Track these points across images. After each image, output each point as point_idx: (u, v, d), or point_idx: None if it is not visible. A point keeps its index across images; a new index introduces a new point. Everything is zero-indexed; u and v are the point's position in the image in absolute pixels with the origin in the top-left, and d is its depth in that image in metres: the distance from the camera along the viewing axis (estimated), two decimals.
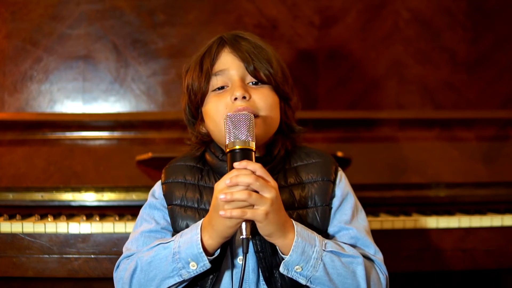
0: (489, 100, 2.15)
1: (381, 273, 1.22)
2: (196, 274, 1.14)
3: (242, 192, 1.05)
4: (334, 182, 1.28)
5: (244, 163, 1.07)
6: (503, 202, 1.92)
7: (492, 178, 1.94)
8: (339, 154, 1.88)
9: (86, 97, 2.06)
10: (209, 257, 1.12)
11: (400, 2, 2.14)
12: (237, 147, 1.10)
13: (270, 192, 1.07)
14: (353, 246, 1.23)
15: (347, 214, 1.27)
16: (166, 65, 2.06)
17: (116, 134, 1.98)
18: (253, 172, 1.07)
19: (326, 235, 1.25)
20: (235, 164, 1.07)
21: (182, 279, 1.15)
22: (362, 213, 1.31)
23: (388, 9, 2.14)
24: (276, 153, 1.28)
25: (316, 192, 1.25)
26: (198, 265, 1.12)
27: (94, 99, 2.06)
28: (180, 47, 2.07)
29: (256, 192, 1.06)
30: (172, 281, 1.15)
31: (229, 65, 1.25)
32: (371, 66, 2.13)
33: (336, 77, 2.11)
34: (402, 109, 2.12)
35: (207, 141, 1.33)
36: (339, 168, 1.32)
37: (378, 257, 1.24)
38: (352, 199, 1.30)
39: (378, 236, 1.68)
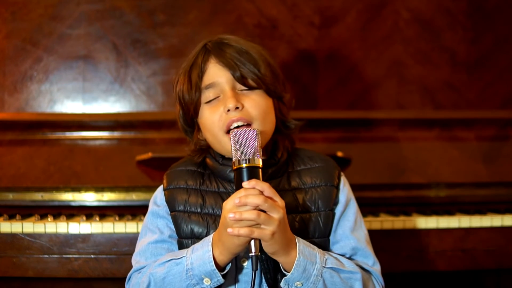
0: (489, 100, 2.15)
1: (378, 285, 1.25)
2: None
3: (251, 212, 1.06)
4: (337, 187, 1.29)
5: (253, 183, 1.08)
6: (503, 202, 1.92)
7: (492, 178, 1.94)
8: (339, 154, 1.88)
9: (86, 97, 2.06)
10: (221, 272, 1.14)
11: (400, 2, 2.14)
12: (244, 165, 1.10)
13: (278, 212, 1.08)
14: (353, 256, 1.25)
15: (350, 221, 1.28)
16: (166, 65, 2.06)
17: (116, 134, 1.98)
18: (261, 192, 1.08)
19: (327, 240, 1.26)
20: (244, 184, 1.08)
21: None
22: (362, 219, 1.33)
23: (388, 9, 2.14)
24: (279, 156, 1.29)
25: (320, 197, 1.26)
26: (212, 280, 1.14)
27: (94, 99, 2.06)
28: (180, 47, 2.07)
29: (264, 211, 1.07)
30: None
31: (217, 77, 1.24)
32: (371, 66, 2.13)
33: (336, 77, 2.12)
34: (402, 109, 2.12)
35: (206, 148, 1.33)
36: (342, 173, 1.33)
37: (376, 268, 1.26)
38: (354, 205, 1.31)
39: (378, 236, 1.69)
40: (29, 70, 2.05)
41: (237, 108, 1.20)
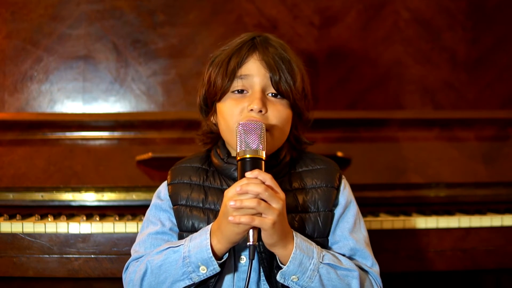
0: (489, 100, 2.15)
1: (376, 285, 1.25)
2: (206, 277, 1.17)
3: (251, 200, 1.07)
4: (338, 189, 1.30)
5: (255, 173, 1.10)
6: (503, 202, 1.92)
7: (492, 178, 1.94)
8: (339, 154, 1.88)
9: (86, 97, 2.06)
10: (218, 261, 1.15)
11: (400, 2, 2.14)
12: (248, 156, 1.13)
13: (278, 203, 1.09)
14: (352, 257, 1.26)
15: (349, 222, 1.29)
16: (166, 65, 2.07)
17: (116, 134, 1.98)
18: (263, 182, 1.09)
19: (326, 240, 1.27)
20: (247, 173, 1.10)
21: (192, 282, 1.18)
22: (362, 222, 1.34)
23: (388, 9, 2.14)
24: (281, 158, 1.30)
25: (320, 198, 1.27)
26: (208, 269, 1.15)
27: (94, 99, 2.06)
28: (180, 47, 2.07)
29: (265, 201, 1.08)
30: (182, 284, 1.18)
31: (254, 72, 1.25)
32: (371, 66, 2.13)
33: (336, 77, 2.12)
34: (402, 109, 2.12)
35: (216, 135, 1.34)
36: (343, 176, 1.34)
37: (375, 269, 1.27)
38: (354, 208, 1.32)
39: (378, 236, 1.69)
40: (29, 70, 2.05)
41: (260, 111, 1.22)
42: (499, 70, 2.16)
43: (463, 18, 2.15)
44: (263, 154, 1.14)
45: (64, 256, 1.66)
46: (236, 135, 1.16)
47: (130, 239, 1.66)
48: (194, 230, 1.25)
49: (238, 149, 1.15)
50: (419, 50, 2.14)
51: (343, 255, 1.25)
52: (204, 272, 1.15)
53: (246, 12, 2.09)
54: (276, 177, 1.26)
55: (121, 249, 1.67)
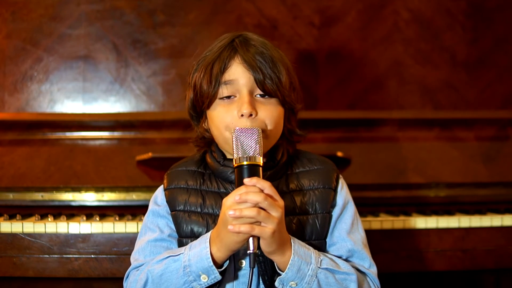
0: (489, 100, 2.15)
1: (374, 286, 1.25)
2: (207, 285, 1.16)
3: (251, 209, 1.06)
4: (335, 190, 1.29)
5: (254, 181, 1.08)
6: (503, 202, 1.93)
7: (492, 178, 1.94)
8: (339, 154, 1.88)
9: (86, 97, 2.06)
10: (218, 269, 1.15)
11: (400, 2, 2.14)
12: (245, 163, 1.12)
13: (277, 211, 1.09)
14: (349, 258, 1.25)
15: (347, 223, 1.28)
16: (166, 65, 2.07)
17: (116, 134, 1.98)
18: (262, 190, 1.08)
19: (324, 242, 1.27)
20: (246, 181, 1.09)
21: None
22: (360, 222, 1.33)
23: (388, 9, 2.14)
24: (278, 159, 1.29)
25: (317, 199, 1.26)
26: (209, 277, 1.15)
27: (94, 99, 2.06)
28: (180, 47, 2.07)
29: (264, 210, 1.08)
30: None
31: (239, 76, 1.23)
32: (371, 66, 2.13)
33: (336, 77, 2.12)
34: (402, 109, 2.12)
35: (209, 140, 1.33)
36: (340, 176, 1.33)
37: (372, 270, 1.26)
38: (352, 208, 1.32)
39: (378, 236, 1.70)
40: (29, 70, 2.05)
41: (250, 115, 1.20)
42: (499, 70, 2.16)
43: (463, 18, 2.15)
44: (260, 160, 1.13)
45: (64, 256, 1.66)
46: (233, 142, 1.15)
47: (130, 239, 1.66)
48: (193, 235, 1.24)
49: (234, 155, 1.13)
50: (419, 50, 2.14)
51: (340, 256, 1.24)
52: (205, 280, 1.15)
53: (246, 12, 2.09)
54: (273, 178, 1.25)
55: (121, 249, 1.67)
